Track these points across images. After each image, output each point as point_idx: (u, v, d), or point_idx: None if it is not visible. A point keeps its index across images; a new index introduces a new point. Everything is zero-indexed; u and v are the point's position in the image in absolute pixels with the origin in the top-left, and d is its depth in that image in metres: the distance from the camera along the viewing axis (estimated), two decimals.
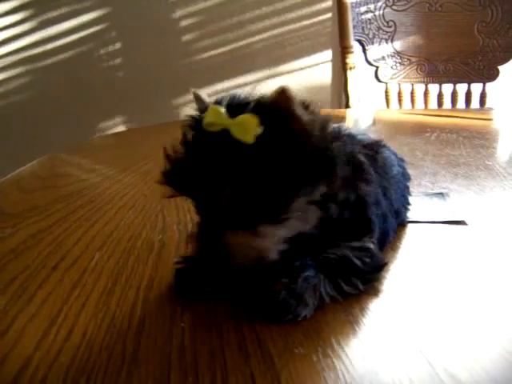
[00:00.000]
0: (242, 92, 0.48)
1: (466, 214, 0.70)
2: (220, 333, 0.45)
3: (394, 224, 0.60)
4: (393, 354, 0.41)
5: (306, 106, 0.45)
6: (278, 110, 0.43)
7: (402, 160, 0.68)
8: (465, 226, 0.67)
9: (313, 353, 0.42)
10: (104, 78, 2.38)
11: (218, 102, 0.46)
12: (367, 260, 0.50)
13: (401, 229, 0.65)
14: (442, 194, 0.79)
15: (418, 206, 0.72)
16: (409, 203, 0.67)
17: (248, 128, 0.43)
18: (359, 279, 0.49)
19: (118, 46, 2.38)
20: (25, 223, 0.76)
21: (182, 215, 0.75)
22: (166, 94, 2.33)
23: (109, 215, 0.78)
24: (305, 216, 0.47)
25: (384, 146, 0.62)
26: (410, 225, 0.67)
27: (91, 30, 2.33)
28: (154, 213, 0.78)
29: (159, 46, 2.36)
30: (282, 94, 0.43)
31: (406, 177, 0.67)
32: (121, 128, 2.39)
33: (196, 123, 0.48)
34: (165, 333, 0.46)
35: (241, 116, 0.43)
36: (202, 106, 0.49)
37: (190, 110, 0.50)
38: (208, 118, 0.45)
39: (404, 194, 0.65)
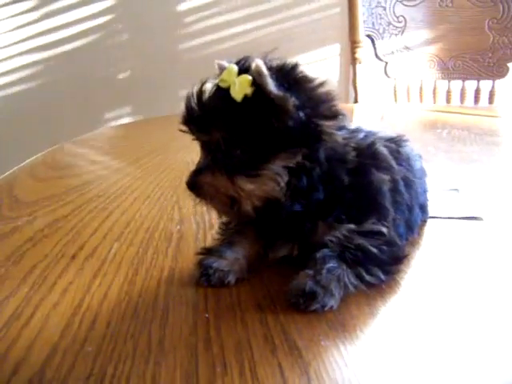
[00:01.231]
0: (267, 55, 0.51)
1: (481, 209, 0.71)
2: (245, 324, 0.45)
3: (419, 217, 0.61)
4: (415, 346, 0.41)
5: (296, 82, 0.49)
6: (254, 77, 0.47)
7: (419, 156, 0.68)
8: (481, 222, 0.67)
9: (339, 345, 0.42)
10: (111, 69, 2.37)
11: (238, 63, 0.50)
12: (384, 247, 0.50)
13: (420, 224, 0.65)
14: (456, 189, 0.79)
15: (435, 201, 0.72)
16: (428, 200, 0.67)
17: (240, 87, 0.47)
18: (380, 269, 0.50)
19: (125, 37, 2.37)
20: (41, 212, 0.76)
21: (199, 206, 0.74)
22: (173, 86, 2.32)
23: (124, 206, 0.78)
24: (277, 178, 0.49)
25: (407, 140, 0.62)
26: (428, 220, 0.67)
27: (97, 20, 2.33)
28: (169, 204, 0.78)
29: (166, 38, 2.35)
30: (255, 69, 0.47)
31: (424, 173, 0.67)
32: (127, 119, 2.39)
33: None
34: (189, 323, 0.46)
35: (240, 76, 0.48)
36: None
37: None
38: (222, 75, 0.49)
39: (425, 189, 0.65)
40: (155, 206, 0.77)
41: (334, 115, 0.51)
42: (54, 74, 2.35)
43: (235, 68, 0.49)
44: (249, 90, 0.47)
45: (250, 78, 0.47)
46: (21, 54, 2.33)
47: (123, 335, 0.45)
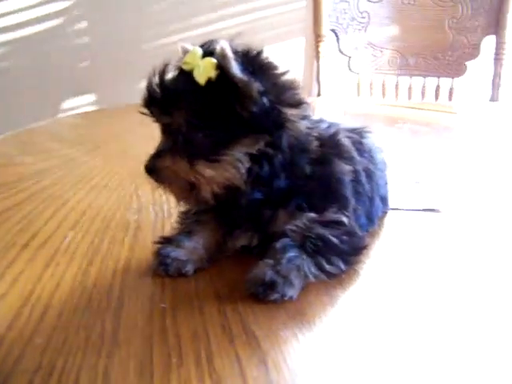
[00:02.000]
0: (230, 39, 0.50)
1: (439, 202, 0.72)
2: (203, 314, 0.44)
3: (380, 208, 0.61)
4: (373, 335, 0.41)
5: (261, 68, 0.48)
6: (218, 60, 0.47)
7: (381, 148, 0.69)
8: (439, 214, 0.68)
9: (298, 335, 0.41)
10: (70, 57, 2.30)
11: (202, 46, 0.50)
12: (344, 238, 0.50)
13: (381, 217, 0.65)
14: (416, 182, 0.81)
15: (395, 193, 0.72)
16: (388, 191, 0.68)
17: (203, 71, 0.47)
18: (340, 259, 0.50)
19: (84, 24, 2.30)
20: None
21: (158, 196, 0.73)
22: (135, 76, 2.27)
23: (80, 195, 0.76)
24: (238, 164, 0.48)
25: (369, 132, 0.62)
26: (388, 212, 0.67)
27: (57, 5, 2.25)
28: (128, 193, 0.75)
29: (128, 26, 2.29)
30: (220, 52, 0.46)
31: (385, 165, 0.67)
32: (87, 108, 2.32)
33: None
34: (145, 314, 0.45)
35: (204, 59, 0.47)
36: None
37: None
38: (186, 57, 0.49)
39: (386, 182, 0.65)
40: (113, 195, 0.75)
41: (298, 103, 0.50)
42: (11, 59, 2.26)
43: (199, 51, 0.48)
44: (213, 74, 0.46)
45: (214, 61, 0.46)
46: None
47: (75, 326, 0.43)
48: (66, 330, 0.42)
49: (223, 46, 0.46)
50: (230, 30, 2.28)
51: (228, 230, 0.53)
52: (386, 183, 0.66)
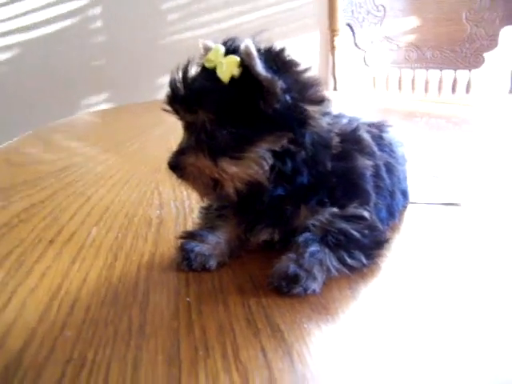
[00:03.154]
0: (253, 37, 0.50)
1: (459, 196, 0.71)
2: (227, 307, 0.45)
3: (401, 202, 0.61)
4: (395, 328, 0.42)
5: (284, 66, 0.48)
6: (242, 58, 0.47)
7: (401, 142, 0.69)
8: (459, 208, 0.68)
9: (322, 327, 0.42)
10: (87, 55, 2.33)
11: (225, 43, 0.50)
12: (366, 232, 0.51)
13: (401, 211, 0.65)
14: (435, 176, 0.80)
15: (415, 187, 0.72)
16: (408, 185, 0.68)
17: (227, 68, 0.47)
18: (362, 253, 0.50)
19: (99, 23, 2.32)
20: (16, 197, 0.74)
21: (179, 192, 0.74)
22: (151, 73, 2.29)
23: (102, 191, 0.77)
24: (261, 161, 0.49)
25: (389, 126, 0.63)
26: (408, 206, 0.67)
27: (73, 4, 2.27)
28: (149, 189, 0.77)
29: (144, 24, 2.31)
30: (244, 50, 0.46)
31: (405, 159, 0.68)
32: (104, 106, 2.34)
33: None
34: (171, 307, 0.46)
35: (227, 56, 0.47)
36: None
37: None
38: (208, 55, 0.49)
39: (406, 176, 0.66)
40: (134, 192, 0.76)
41: (320, 100, 0.51)
42: (29, 58, 2.29)
43: (222, 48, 0.48)
44: (236, 71, 0.47)
45: (237, 58, 0.47)
46: None
47: (103, 320, 0.44)
48: (95, 323, 0.44)
49: (248, 44, 0.46)
50: (245, 25, 2.29)
51: (250, 225, 0.54)
52: (406, 177, 0.66)
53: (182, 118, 0.52)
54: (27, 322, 0.44)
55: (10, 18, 2.24)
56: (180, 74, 0.49)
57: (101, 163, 0.94)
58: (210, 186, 0.51)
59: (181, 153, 0.51)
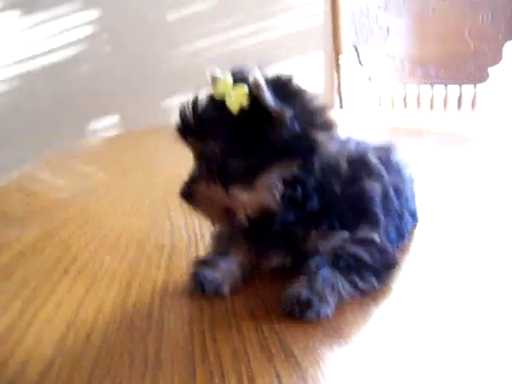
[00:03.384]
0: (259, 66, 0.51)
1: (467, 214, 0.71)
2: (240, 332, 0.46)
3: (410, 223, 0.62)
4: (408, 350, 0.42)
5: (291, 95, 0.50)
6: (252, 90, 0.48)
7: (407, 164, 0.69)
8: (469, 228, 0.68)
9: (335, 351, 0.42)
10: (96, 80, 2.37)
11: (233, 73, 0.51)
12: (377, 255, 0.51)
13: (411, 232, 0.66)
14: (441, 194, 0.81)
15: (422, 207, 0.73)
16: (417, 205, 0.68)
17: (236, 99, 0.48)
18: (373, 276, 0.50)
19: (108, 48, 2.37)
20: (30, 225, 0.75)
21: (190, 220, 0.75)
22: (158, 96, 2.32)
23: (114, 219, 0.78)
24: (272, 189, 0.50)
25: (396, 148, 0.63)
26: (419, 228, 0.68)
27: (82, 31, 2.32)
28: (160, 216, 0.78)
29: (151, 48, 2.35)
30: (253, 82, 0.47)
31: (412, 179, 0.68)
32: (113, 130, 2.37)
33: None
34: (185, 333, 0.46)
35: (236, 87, 0.48)
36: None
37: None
38: (217, 86, 0.50)
39: (414, 196, 0.66)
40: (146, 218, 0.77)
41: (328, 126, 0.52)
42: (38, 85, 2.34)
43: (230, 79, 0.50)
44: (245, 102, 0.48)
45: (246, 89, 0.48)
46: (4, 66, 2.31)
47: (119, 348, 0.45)
48: (111, 353, 0.44)
49: (256, 75, 0.47)
50: (251, 47, 2.32)
51: (261, 251, 0.54)
52: (414, 197, 0.67)
53: (192, 148, 0.53)
54: (44, 352, 0.45)
55: (19, 47, 2.29)
56: (190, 105, 0.51)
57: (112, 189, 0.95)
58: (221, 214, 0.52)
59: (192, 181, 0.52)
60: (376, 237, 0.52)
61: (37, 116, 2.34)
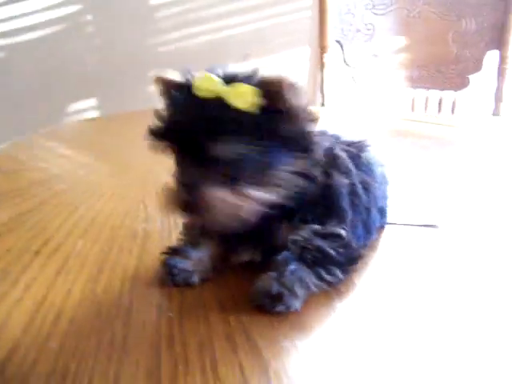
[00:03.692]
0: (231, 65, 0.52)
1: (437, 217, 0.73)
2: (208, 323, 0.46)
3: (378, 220, 0.63)
4: (369, 345, 0.43)
5: (296, 91, 0.49)
6: (273, 89, 0.48)
7: (381, 162, 0.71)
8: (436, 229, 0.70)
9: (299, 345, 0.43)
10: (77, 61, 2.33)
11: (209, 71, 0.50)
12: (341, 250, 0.53)
13: (379, 230, 0.67)
14: (415, 197, 0.82)
15: (394, 208, 0.74)
16: (387, 206, 0.69)
17: (245, 97, 0.47)
18: (338, 269, 0.52)
19: (91, 29, 2.33)
20: (4, 205, 0.75)
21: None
22: (141, 81, 2.30)
23: (89, 202, 0.78)
24: (282, 184, 0.51)
25: (369, 145, 0.64)
26: (387, 226, 0.69)
27: (64, 10, 2.28)
28: (135, 202, 0.78)
29: (136, 33, 2.32)
30: (284, 81, 0.47)
31: (385, 180, 0.69)
32: (94, 113, 2.35)
33: (181, 88, 0.51)
34: (153, 322, 0.47)
35: (237, 85, 0.48)
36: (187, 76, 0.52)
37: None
38: (201, 84, 0.49)
39: (385, 195, 0.67)
40: (121, 203, 0.77)
41: (313, 120, 0.53)
42: (17, 63, 2.29)
43: (216, 78, 0.49)
44: (255, 100, 0.48)
45: (253, 88, 0.48)
46: None
47: (86, 333, 0.45)
48: (78, 336, 0.45)
49: (284, 76, 0.48)
50: (237, 37, 2.31)
51: (232, 244, 0.55)
52: (386, 196, 0.68)
53: (192, 152, 0.49)
54: (11, 332, 0.45)
55: (1, 22, 2.25)
56: (189, 105, 0.49)
57: (90, 173, 0.95)
58: (231, 215, 0.50)
59: (192, 188, 0.49)
60: (343, 232, 0.53)
61: (15, 93, 2.30)
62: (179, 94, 0.51)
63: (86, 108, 2.37)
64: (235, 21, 2.31)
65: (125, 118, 1.50)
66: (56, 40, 2.30)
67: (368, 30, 1.79)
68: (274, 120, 0.48)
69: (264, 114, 0.48)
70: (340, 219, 0.55)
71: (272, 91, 0.47)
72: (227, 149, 0.48)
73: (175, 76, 0.53)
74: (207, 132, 0.47)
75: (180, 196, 0.49)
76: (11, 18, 2.25)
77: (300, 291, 0.49)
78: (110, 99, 2.36)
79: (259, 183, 0.50)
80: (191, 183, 0.49)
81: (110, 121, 1.54)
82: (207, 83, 0.49)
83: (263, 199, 0.50)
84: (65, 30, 2.30)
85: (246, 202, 0.49)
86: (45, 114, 2.21)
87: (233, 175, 0.49)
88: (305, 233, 0.53)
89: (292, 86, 0.48)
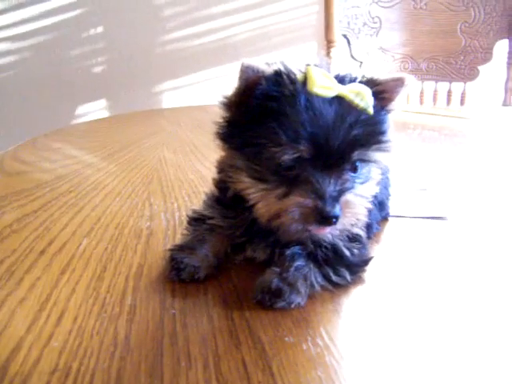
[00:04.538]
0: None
1: (446, 209, 0.73)
2: (211, 319, 0.46)
3: (377, 215, 0.62)
4: (377, 342, 0.43)
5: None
6: (389, 90, 0.50)
7: None
8: (444, 221, 0.69)
9: (303, 342, 0.43)
10: (85, 63, 2.34)
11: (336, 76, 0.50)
12: (356, 251, 0.52)
13: (384, 222, 0.67)
14: (423, 189, 0.81)
15: (401, 200, 0.73)
16: (390, 196, 0.68)
17: (365, 97, 0.47)
18: (347, 270, 0.51)
19: (99, 29, 2.34)
20: (10, 207, 0.75)
21: (169, 203, 0.75)
22: (148, 81, 2.31)
23: (95, 202, 0.78)
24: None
25: None
26: (393, 219, 0.69)
27: (72, 12, 2.29)
28: (140, 201, 0.78)
29: (143, 32, 2.33)
30: (403, 81, 0.50)
31: (386, 169, 0.68)
32: (101, 114, 2.36)
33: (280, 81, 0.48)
34: (156, 319, 0.47)
35: (355, 86, 0.47)
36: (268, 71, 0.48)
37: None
38: (323, 82, 0.46)
39: (386, 186, 0.66)
40: (126, 203, 0.77)
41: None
42: (27, 65, 2.31)
43: (334, 80, 0.48)
44: (372, 101, 0.48)
45: (368, 89, 0.48)
46: None
47: (89, 331, 0.45)
48: (82, 334, 0.44)
49: (400, 77, 0.50)
50: (242, 35, 2.31)
51: (238, 242, 0.55)
52: (388, 189, 0.67)
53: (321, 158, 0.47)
54: (15, 331, 0.45)
55: (9, 26, 2.26)
56: (330, 127, 0.45)
57: (95, 173, 0.95)
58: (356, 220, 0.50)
59: (335, 199, 0.46)
60: (362, 232, 0.53)
61: (23, 97, 2.32)
62: (293, 90, 0.46)
63: (95, 109, 2.39)
64: (242, 17, 2.31)
65: (132, 117, 1.50)
66: (64, 42, 2.31)
67: (374, 23, 1.78)
68: (386, 119, 0.50)
69: (376, 114, 0.48)
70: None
71: (387, 92, 0.49)
72: (365, 154, 0.48)
73: (266, 67, 0.49)
74: (353, 139, 0.46)
75: (326, 209, 0.46)
76: (20, 23, 2.26)
77: (302, 288, 0.48)
78: (119, 100, 2.37)
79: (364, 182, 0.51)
80: (329, 194, 0.46)
81: (118, 121, 1.55)
82: (327, 81, 0.46)
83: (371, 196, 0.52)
84: (72, 33, 2.31)
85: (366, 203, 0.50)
86: (53, 116, 2.22)
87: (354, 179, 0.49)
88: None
89: (406, 87, 0.49)
